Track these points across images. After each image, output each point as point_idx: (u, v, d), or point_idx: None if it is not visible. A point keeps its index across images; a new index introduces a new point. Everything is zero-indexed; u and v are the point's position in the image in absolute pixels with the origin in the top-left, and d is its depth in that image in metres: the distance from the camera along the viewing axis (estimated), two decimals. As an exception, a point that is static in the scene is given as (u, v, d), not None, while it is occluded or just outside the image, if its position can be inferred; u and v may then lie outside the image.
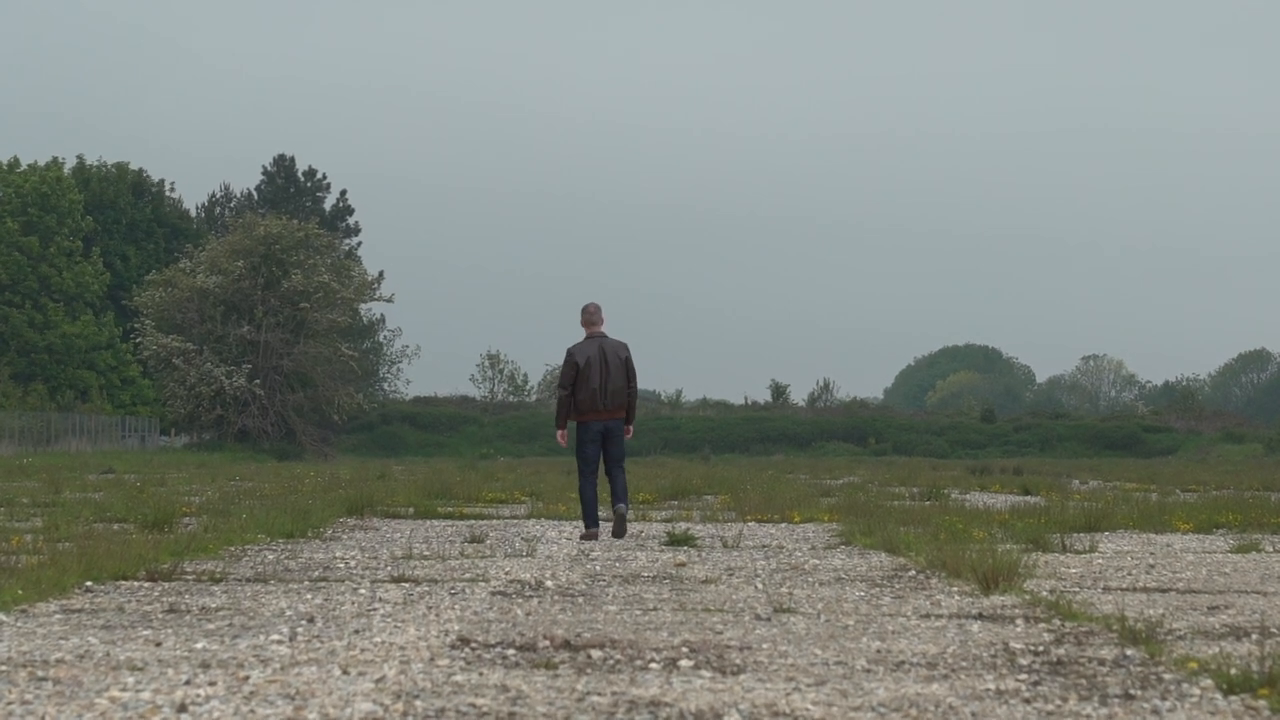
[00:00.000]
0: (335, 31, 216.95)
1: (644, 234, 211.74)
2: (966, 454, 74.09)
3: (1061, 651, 7.20)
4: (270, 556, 12.39)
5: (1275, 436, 73.96)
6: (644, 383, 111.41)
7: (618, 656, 6.98)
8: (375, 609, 8.79)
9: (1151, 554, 13.32)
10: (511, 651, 7.14)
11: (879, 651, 7.22)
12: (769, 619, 8.49)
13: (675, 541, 14.10)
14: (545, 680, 6.33)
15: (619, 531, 14.80)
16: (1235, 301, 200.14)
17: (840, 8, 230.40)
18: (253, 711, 5.60)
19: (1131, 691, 6.12)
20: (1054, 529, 15.05)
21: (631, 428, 15.31)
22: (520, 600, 9.37)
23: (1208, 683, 6.23)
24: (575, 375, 15.00)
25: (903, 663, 6.86)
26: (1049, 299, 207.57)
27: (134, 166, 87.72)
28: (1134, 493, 25.42)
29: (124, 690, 5.99)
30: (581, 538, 14.93)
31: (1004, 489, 27.99)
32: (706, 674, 6.52)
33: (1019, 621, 8.34)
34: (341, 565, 11.68)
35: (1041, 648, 7.32)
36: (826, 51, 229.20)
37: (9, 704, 5.69)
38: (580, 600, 9.36)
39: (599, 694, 6.00)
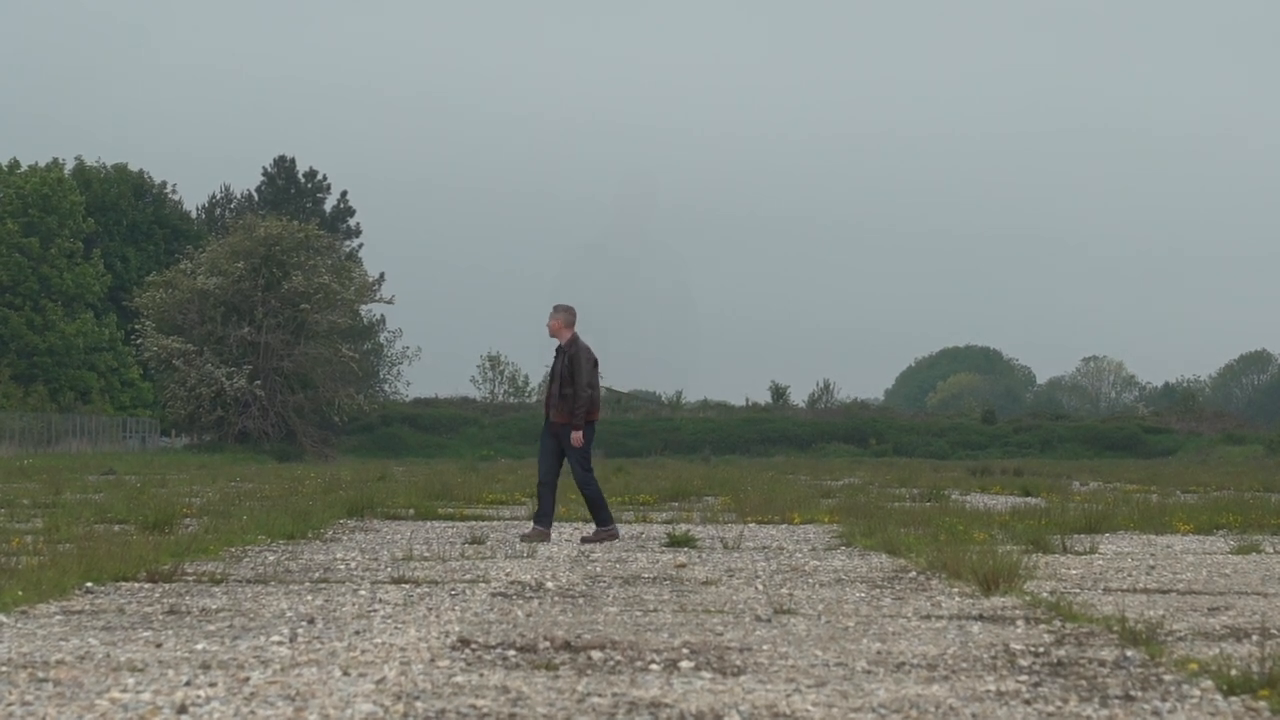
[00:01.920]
0: (335, 32, 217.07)
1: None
2: (967, 455, 74.09)
3: (1062, 653, 7.20)
4: (271, 558, 12.39)
5: (1276, 438, 73.95)
6: (644, 383, 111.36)
7: (618, 658, 6.99)
8: (376, 610, 8.79)
9: (1152, 555, 13.32)
10: (512, 653, 7.15)
11: (879, 653, 7.22)
12: (769, 620, 8.49)
13: (676, 543, 14.10)
14: (546, 681, 6.33)
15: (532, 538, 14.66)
16: (1236, 303, 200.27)
17: (841, 8, 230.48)
18: (253, 713, 5.60)
19: (1132, 693, 6.12)
20: (1054, 530, 15.05)
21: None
22: (521, 601, 9.37)
23: (1208, 684, 6.23)
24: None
25: (903, 664, 6.87)
26: (1049, 300, 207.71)
27: (133, 168, 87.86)
28: (1134, 494, 25.42)
29: (124, 691, 5.99)
30: (603, 538, 14.56)
31: (1004, 490, 27.99)
32: (707, 675, 6.52)
33: (1019, 623, 8.34)
34: (342, 566, 11.68)
35: (1042, 649, 7.32)
36: (827, 52, 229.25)
37: (9, 705, 5.70)
38: (580, 601, 9.37)
39: (599, 695, 6.00)
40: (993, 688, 6.25)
